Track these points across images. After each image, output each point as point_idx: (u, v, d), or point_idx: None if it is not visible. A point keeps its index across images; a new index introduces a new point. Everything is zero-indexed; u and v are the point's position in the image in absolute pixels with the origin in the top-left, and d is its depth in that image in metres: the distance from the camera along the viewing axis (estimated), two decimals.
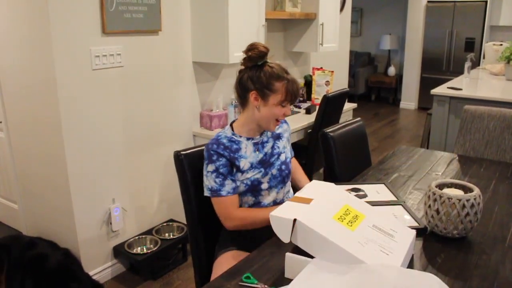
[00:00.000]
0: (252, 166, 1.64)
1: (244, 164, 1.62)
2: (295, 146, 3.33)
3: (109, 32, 2.40)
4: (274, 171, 1.68)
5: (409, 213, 1.59)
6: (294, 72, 4.12)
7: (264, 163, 1.67)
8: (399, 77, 7.97)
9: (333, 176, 2.10)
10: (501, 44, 5.08)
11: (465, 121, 2.61)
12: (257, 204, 1.68)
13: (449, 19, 6.90)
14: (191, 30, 2.91)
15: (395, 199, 1.72)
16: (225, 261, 1.63)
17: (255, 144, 1.67)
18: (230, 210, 1.60)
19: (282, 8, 3.58)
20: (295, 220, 1.18)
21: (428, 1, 7.05)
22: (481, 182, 1.96)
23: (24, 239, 2.56)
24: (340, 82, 4.81)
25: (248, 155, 1.64)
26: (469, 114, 2.61)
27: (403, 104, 7.73)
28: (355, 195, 1.71)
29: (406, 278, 1.07)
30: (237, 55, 2.78)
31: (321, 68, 3.89)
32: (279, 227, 1.21)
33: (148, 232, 2.83)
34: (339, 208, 1.29)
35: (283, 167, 1.71)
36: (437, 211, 1.41)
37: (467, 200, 1.37)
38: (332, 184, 1.45)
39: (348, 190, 1.79)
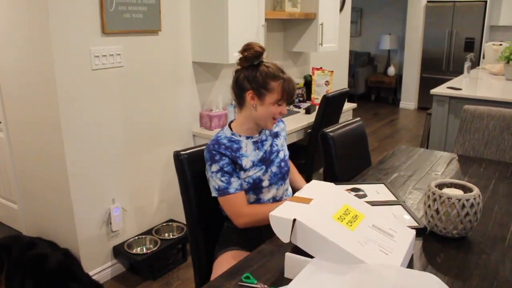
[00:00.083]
0: (253, 164, 1.65)
1: (246, 162, 1.64)
2: (295, 146, 3.35)
3: (109, 32, 2.40)
4: (274, 168, 1.70)
5: (408, 213, 1.59)
6: (294, 72, 4.12)
7: (265, 161, 1.68)
8: (398, 77, 7.97)
9: (333, 176, 2.10)
10: (501, 44, 5.08)
11: (464, 121, 2.62)
12: (257, 202, 1.69)
13: (449, 19, 6.90)
14: (190, 30, 2.91)
15: (395, 199, 1.72)
16: (225, 261, 1.64)
17: (254, 142, 1.69)
18: (241, 207, 1.62)
19: (282, 8, 3.58)
20: (294, 220, 1.18)
21: (427, 1, 7.05)
22: (481, 182, 1.96)
23: (24, 239, 2.56)
24: (339, 82, 4.81)
25: (249, 154, 1.65)
26: (468, 114, 2.61)
27: (402, 104, 7.73)
28: (355, 195, 1.71)
29: (405, 278, 1.07)
30: (236, 55, 2.75)
31: (321, 68, 3.89)
32: (279, 227, 1.21)
33: (148, 232, 2.83)
34: (338, 208, 1.29)
35: (283, 164, 1.73)
36: (437, 211, 1.41)
37: (467, 200, 1.37)
38: (331, 184, 1.45)
39: (347, 190, 1.79)
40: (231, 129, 1.69)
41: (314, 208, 1.25)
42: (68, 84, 2.28)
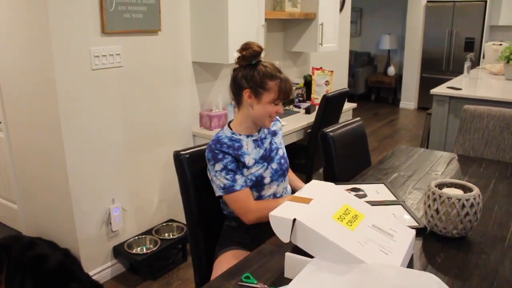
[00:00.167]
0: (255, 162, 1.67)
1: (248, 160, 1.66)
2: (295, 146, 3.35)
3: (109, 32, 2.40)
4: (274, 165, 1.72)
5: (408, 213, 1.59)
6: (293, 72, 4.12)
7: (265, 158, 1.70)
8: (398, 77, 7.97)
9: (333, 176, 2.10)
10: (501, 44, 5.08)
11: (464, 121, 2.61)
12: (258, 198, 1.70)
13: (449, 19, 6.90)
14: (190, 30, 2.91)
15: (395, 198, 1.72)
16: (226, 261, 1.64)
17: (255, 141, 1.70)
18: (248, 203, 1.63)
19: (282, 8, 3.58)
20: (294, 220, 1.18)
21: (427, 1, 7.05)
22: (481, 182, 1.96)
23: (24, 239, 2.56)
24: (339, 82, 4.81)
25: (250, 152, 1.67)
26: (468, 114, 2.61)
27: (402, 104, 7.73)
28: (355, 195, 1.71)
29: (405, 277, 1.07)
30: (236, 55, 2.77)
31: (321, 68, 3.89)
32: (279, 227, 1.21)
33: (148, 232, 2.83)
34: (338, 208, 1.29)
35: (282, 161, 1.76)
36: (437, 211, 1.41)
37: (467, 200, 1.37)
38: (331, 184, 1.45)
39: (347, 190, 1.79)
40: (230, 128, 1.70)
41: (314, 208, 1.25)
42: (68, 84, 2.28)
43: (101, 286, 2.45)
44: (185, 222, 2.03)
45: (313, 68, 3.88)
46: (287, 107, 3.75)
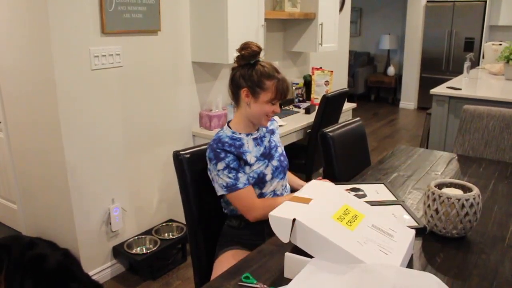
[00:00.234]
0: (257, 159, 1.69)
1: (250, 158, 1.67)
2: (294, 146, 3.35)
3: (108, 32, 2.40)
4: (274, 162, 1.74)
5: (408, 213, 1.59)
6: (293, 72, 4.12)
7: (266, 156, 1.72)
8: (398, 77, 7.97)
9: (333, 176, 2.10)
10: (500, 44, 5.08)
11: (464, 121, 2.62)
12: (260, 196, 1.71)
13: (449, 19, 6.90)
14: (190, 30, 2.91)
15: (395, 198, 1.72)
16: (226, 260, 1.65)
17: (254, 139, 1.72)
18: (252, 200, 1.64)
19: (282, 8, 3.58)
20: (294, 220, 1.18)
21: (427, 1, 7.05)
22: (480, 182, 1.96)
23: (24, 239, 2.56)
24: (339, 82, 4.81)
25: (251, 150, 1.69)
26: (468, 114, 2.61)
27: (402, 104, 7.73)
28: (354, 195, 1.71)
29: (405, 277, 1.07)
30: (235, 55, 2.77)
31: (321, 68, 3.89)
32: (279, 227, 1.21)
33: (148, 232, 2.83)
34: (338, 207, 1.29)
35: (282, 158, 1.79)
36: (436, 211, 1.41)
37: (466, 200, 1.37)
38: (331, 184, 1.45)
39: (347, 190, 1.80)
40: (230, 128, 1.72)
41: (313, 208, 1.25)
42: (67, 84, 2.28)
43: (101, 286, 2.45)
44: (184, 222, 2.03)
45: (312, 68, 3.88)
46: (287, 107, 3.75)
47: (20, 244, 2.44)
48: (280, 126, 3.12)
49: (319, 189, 1.41)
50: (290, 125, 3.20)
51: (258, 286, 1.19)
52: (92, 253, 2.57)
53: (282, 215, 1.21)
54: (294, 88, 3.93)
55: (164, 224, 2.93)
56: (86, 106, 2.39)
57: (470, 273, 1.25)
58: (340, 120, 3.47)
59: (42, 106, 2.37)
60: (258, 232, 1.70)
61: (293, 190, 1.86)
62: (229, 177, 1.62)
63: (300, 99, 3.94)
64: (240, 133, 1.70)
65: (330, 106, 3.20)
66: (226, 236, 1.76)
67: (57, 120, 2.30)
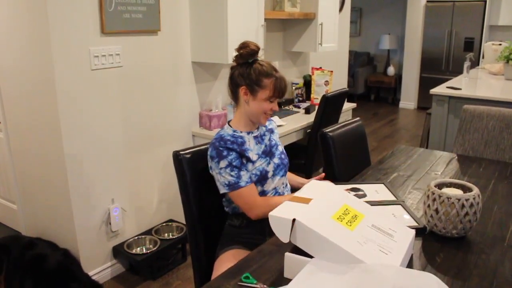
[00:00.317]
0: (259, 157, 1.71)
1: (252, 155, 1.69)
2: (294, 146, 3.35)
3: (108, 32, 2.39)
4: (276, 159, 1.76)
5: (408, 213, 1.59)
6: (293, 72, 4.12)
7: (267, 153, 1.75)
8: (398, 77, 7.97)
9: (333, 176, 2.10)
10: (500, 44, 5.08)
11: (464, 121, 2.61)
12: (261, 193, 1.72)
13: (448, 19, 6.90)
14: (190, 30, 2.91)
15: (395, 198, 1.72)
16: (227, 260, 1.65)
17: (255, 137, 1.75)
18: (254, 198, 1.65)
19: (281, 8, 3.58)
20: (294, 220, 1.18)
21: (427, 1, 7.05)
22: (480, 182, 1.96)
23: (24, 239, 2.56)
24: (339, 82, 4.81)
25: (252, 148, 1.71)
26: (468, 114, 2.61)
27: (402, 104, 7.73)
28: (354, 195, 1.71)
29: (405, 277, 1.07)
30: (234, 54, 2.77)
31: (320, 68, 3.89)
32: (278, 227, 1.21)
33: (148, 232, 2.83)
34: (338, 207, 1.29)
35: (283, 156, 1.81)
36: (436, 211, 1.41)
37: (466, 200, 1.37)
38: (331, 184, 1.45)
39: (347, 190, 1.80)
40: (231, 126, 1.74)
41: (313, 208, 1.25)
42: (67, 84, 2.28)
43: (100, 286, 2.45)
44: (184, 222, 2.03)
45: (312, 68, 3.88)
46: (286, 107, 3.75)
47: (19, 244, 2.43)
48: (280, 126, 3.12)
49: (319, 189, 1.41)
50: (290, 125, 3.20)
51: (258, 286, 1.19)
52: (92, 253, 2.57)
53: (282, 215, 1.21)
54: (294, 88, 3.92)
55: (164, 224, 2.93)
56: (86, 106, 2.39)
57: (470, 273, 1.25)
58: (340, 120, 3.47)
59: (42, 106, 2.37)
60: (259, 231, 1.70)
61: (295, 188, 1.86)
62: (231, 175, 1.63)
63: (300, 99, 3.94)
64: (241, 132, 1.72)
65: (330, 106, 3.20)
66: (227, 236, 1.77)
67: (57, 120, 2.30)
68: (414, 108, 7.59)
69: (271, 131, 1.85)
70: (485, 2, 6.59)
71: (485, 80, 4.47)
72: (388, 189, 1.82)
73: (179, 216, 2.97)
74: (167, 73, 2.80)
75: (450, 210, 1.38)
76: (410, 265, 1.30)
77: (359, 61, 8.18)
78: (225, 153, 1.63)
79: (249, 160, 1.67)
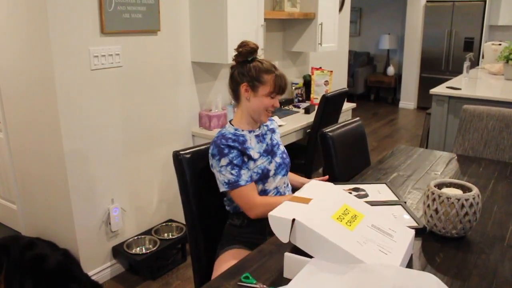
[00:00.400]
0: (260, 155, 1.72)
1: (253, 153, 1.70)
2: (294, 146, 3.35)
3: (108, 32, 2.39)
4: (277, 159, 1.77)
5: (408, 213, 1.58)
6: (293, 72, 4.12)
7: (269, 152, 1.75)
8: (398, 77, 7.97)
9: (333, 176, 2.10)
10: (500, 44, 5.08)
11: (464, 121, 2.62)
12: (263, 192, 1.73)
13: (448, 18, 6.90)
14: (190, 30, 2.91)
15: (397, 199, 1.72)
16: (227, 259, 1.66)
17: (257, 136, 1.75)
18: (253, 198, 1.65)
19: (281, 8, 3.58)
20: (293, 220, 1.18)
21: (427, 1, 7.05)
22: (480, 182, 1.96)
23: (23, 239, 2.56)
24: (339, 81, 4.81)
25: (253, 146, 1.71)
26: (468, 114, 2.61)
27: (402, 104, 7.73)
28: (356, 195, 1.72)
29: (405, 277, 1.07)
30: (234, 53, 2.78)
31: (320, 68, 3.89)
32: (278, 227, 1.21)
33: (147, 232, 2.83)
34: (338, 207, 1.29)
35: (284, 155, 1.82)
36: (436, 211, 1.41)
37: (466, 200, 1.37)
38: (331, 184, 1.45)
39: (349, 189, 1.80)
40: (232, 125, 1.75)
41: (313, 208, 1.25)
42: (67, 84, 2.28)
43: (100, 286, 2.45)
44: (184, 222, 2.03)
45: (312, 68, 3.88)
46: (286, 107, 3.75)
47: (19, 244, 2.43)
48: (280, 126, 3.12)
49: (319, 189, 1.41)
50: (289, 125, 3.20)
51: (257, 286, 1.19)
52: (92, 253, 2.57)
53: (281, 215, 1.21)
54: (293, 88, 3.92)
55: (164, 224, 2.93)
56: (86, 106, 2.39)
57: (470, 273, 1.25)
58: (340, 120, 3.47)
59: (42, 106, 2.37)
60: (260, 231, 1.71)
61: (296, 188, 1.86)
62: (232, 174, 1.63)
63: (300, 99, 3.94)
64: (242, 130, 1.73)
65: (330, 106, 3.20)
66: (228, 235, 1.77)
67: (57, 120, 2.30)
68: (414, 108, 7.59)
69: (273, 130, 1.86)
70: (485, 2, 6.59)
71: (485, 80, 4.47)
72: (390, 189, 1.82)
73: (179, 216, 2.97)
74: (167, 73, 2.80)
75: (449, 210, 1.38)
76: (410, 265, 1.30)
77: (359, 61, 8.18)
78: (226, 151, 1.64)
79: (250, 158, 1.68)
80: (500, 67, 4.67)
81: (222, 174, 1.64)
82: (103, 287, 2.56)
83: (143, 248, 2.72)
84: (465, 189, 1.48)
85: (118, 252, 2.65)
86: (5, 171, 3.03)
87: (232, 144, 1.65)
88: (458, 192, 1.46)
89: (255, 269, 1.28)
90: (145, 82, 2.68)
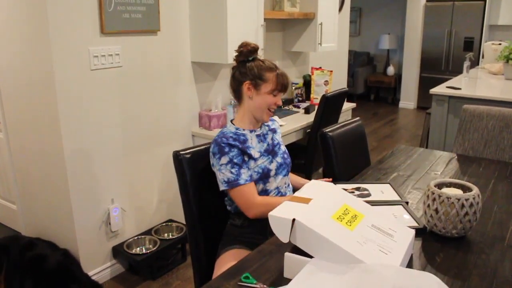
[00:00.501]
0: (261, 154, 1.72)
1: (254, 153, 1.70)
2: (294, 146, 3.35)
3: (108, 32, 2.39)
4: (279, 159, 1.77)
5: (408, 213, 1.58)
6: (293, 72, 4.12)
7: (270, 152, 1.76)
8: (398, 77, 7.97)
9: (333, 176, 2.10)
10: (500, 44, 5.08)
11: (464, 121, 2.62)
12: (263, 192, 1.73)
13: (448, 18, 6.90)
14: (189, 30, 2.91)
15: (399, 199, 1.72)
16: (228, 259, 1.66)
17: (258, 135, 1.76)
18: (252, 197, 1.65)
19: (281, 8, 3.58)
20: (294, 220, 1.17)
21: (427, 1, 7.05)
22: (480, 182, 1.96)
23: (23, 239, 2.56)
24: (339, 81, 4.81)
25: (254, 146, 1.72)
26: (468, 114, 2.61)
27: (402, 104, 7.73)
28: (359, 194, 1.72)
29: (405, 277, 1.07)
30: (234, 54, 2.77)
31: (320, 67, 3.89)
32: (278, 227, 1.21)
33: (147, 232, 2.83)
34: (338, 207, 1.29)
35: (285, 155, 1.82)
36: (436, 211, 1.41)
37: (466, 200, 1.37)
38: (331, 184, 1.45)
39: (352, 189, 1.80)
40: (233, 125, 1.76)
41: (313, 208, 1.25)
42: (67, 84, 2.28)
43: (100, 286, 2.45)
44: (184, 222, 2.03)
45: (312, 68, 3.88)
46: (286, 107, 3.75)
47: (19, 244, 2.43)
48: (280, 126, 3.11)
49: (319, 189, 1.41)
50: (289, 125, 3.20)
51: (257, 286, 1.19)
52: (92, 253, 2.57)
53: (281, 215, 1.21)
54: (293, 88, 3.92)
55: (164, 224, 2.93)
56: (86, 106, 2.39)
57: (470, 273, 1.25)
58: (340, 120, 3.47)
59: (42, 106, 2.37)
60: (261, 231, 1.71)
61: (297, 189, 1.86)
62: (231, 172, 1.63)
63: (300, 99, 3.94)
64: (243, 129, 1.73)
65: (330, 106, 3.20)
66: (228, 235, 1.77)
67: (57, 120, 2.30)
68: (414, 108, 7.59)
69: (274, 131, 1.86)
70: (485, 1, 6.59)
71: (485, 80, 4.47)
72: (394, 189, 1.82)
73: (179, 216, 2.97)
74: (166, 73, 2.80)
75: (450, 210, 1.38)
76: (410, 265, 1.30)
77: (359, 61, 8.18)
78: (226, 149, 1.64)
79: (251, 157, 1.68)
80: (500, 67, 4.67)
81: (222, 173, 1.64)
82: (103, 287, 2.56)
83: (143, 248, 2.72)
84: (465, 189, 1.48)
85: (118, 252, 2.65)
86: (5, 171, 3.03)
87: (232, 142, 1.66)
88: (458, 192, 1.46)
89: (255, 269, 1.28)
90: (145, 82, 2.67)
